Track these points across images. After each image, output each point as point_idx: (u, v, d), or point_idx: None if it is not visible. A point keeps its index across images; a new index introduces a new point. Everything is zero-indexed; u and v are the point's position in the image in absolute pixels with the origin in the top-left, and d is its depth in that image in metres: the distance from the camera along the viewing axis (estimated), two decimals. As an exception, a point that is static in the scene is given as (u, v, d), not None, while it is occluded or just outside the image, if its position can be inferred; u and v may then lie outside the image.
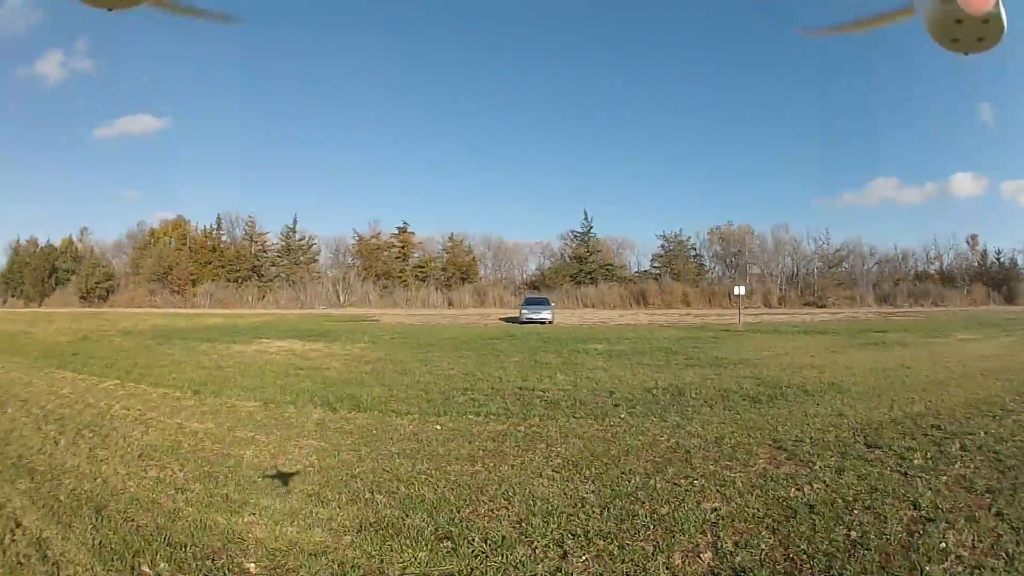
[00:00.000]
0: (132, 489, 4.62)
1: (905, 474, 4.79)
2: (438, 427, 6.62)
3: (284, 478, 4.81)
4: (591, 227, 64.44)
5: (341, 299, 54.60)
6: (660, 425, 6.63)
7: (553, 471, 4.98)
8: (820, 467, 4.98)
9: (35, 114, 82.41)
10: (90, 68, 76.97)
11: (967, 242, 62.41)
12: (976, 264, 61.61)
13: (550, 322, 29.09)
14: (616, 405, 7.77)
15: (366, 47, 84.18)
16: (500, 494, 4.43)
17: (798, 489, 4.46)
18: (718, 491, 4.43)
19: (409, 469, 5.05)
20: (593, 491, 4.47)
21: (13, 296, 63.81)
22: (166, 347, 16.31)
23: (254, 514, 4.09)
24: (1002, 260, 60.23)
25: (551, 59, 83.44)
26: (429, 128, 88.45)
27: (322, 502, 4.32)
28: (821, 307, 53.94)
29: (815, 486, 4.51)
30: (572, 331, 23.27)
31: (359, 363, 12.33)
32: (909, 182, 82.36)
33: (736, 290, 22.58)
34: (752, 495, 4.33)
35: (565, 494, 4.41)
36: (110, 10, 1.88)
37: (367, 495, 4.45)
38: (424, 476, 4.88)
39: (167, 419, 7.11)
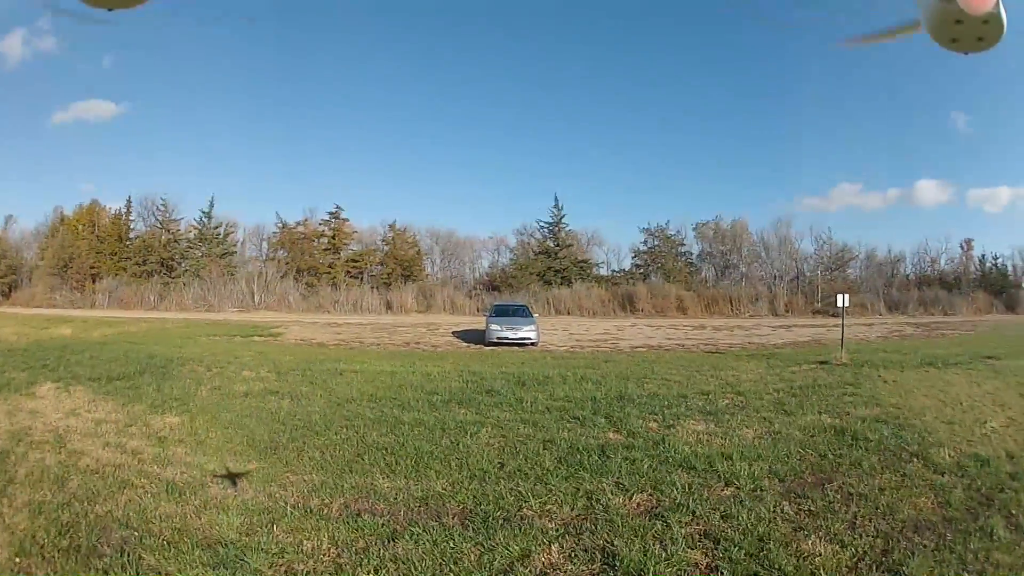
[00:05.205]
0: None
1: None
2: None
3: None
4: (562, 216, 52.82)
5: (256, 300, 43.38)
6: None
7: None
8: None
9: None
10: (52, 48, 63.59)
11: (961, 247, 57.50)
12: (975, 270, 57.31)
13: (533, 343, 19.06)
14: None
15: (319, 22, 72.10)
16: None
17: None
18: None
19: None
20: None
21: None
22: None
23: None
24: (998, 266, 56.57)
25: (513, 38, 72.98)
26: (372, 109, 75.28)
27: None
28: (832, 316, 47.17)
29: None
30: (585, 363, 13.87)
31: None
32: (872, 188, 76.39)
33: (839, 300, 14.22)
34: None
35: None
36: (110, 10, 1.82)
37: None
38: None
39: None
